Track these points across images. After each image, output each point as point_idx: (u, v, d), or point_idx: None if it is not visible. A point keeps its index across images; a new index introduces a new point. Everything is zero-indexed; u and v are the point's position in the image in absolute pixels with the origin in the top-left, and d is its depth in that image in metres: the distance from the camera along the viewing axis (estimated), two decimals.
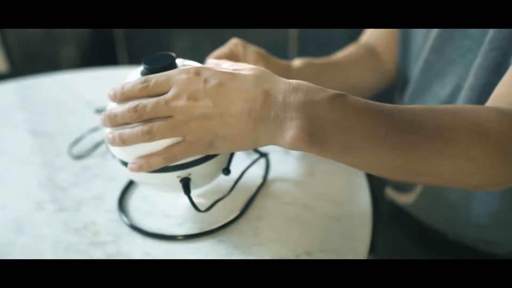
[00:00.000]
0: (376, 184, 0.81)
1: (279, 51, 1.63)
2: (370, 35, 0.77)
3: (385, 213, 0.78)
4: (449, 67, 0.62)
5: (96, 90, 0.90)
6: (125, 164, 0.49)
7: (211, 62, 0.55)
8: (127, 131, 0.45)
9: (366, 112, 0.41)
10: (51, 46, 1.92)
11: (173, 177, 0.49)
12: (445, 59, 0.63)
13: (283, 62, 0.63)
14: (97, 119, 0.74)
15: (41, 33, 1.89)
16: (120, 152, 0.49)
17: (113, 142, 0.47)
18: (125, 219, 0.56)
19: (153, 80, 0.45)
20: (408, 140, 0.41)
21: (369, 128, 0.41)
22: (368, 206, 0.57)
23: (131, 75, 0.51)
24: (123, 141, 0.46)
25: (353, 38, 0.84)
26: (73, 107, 0.84)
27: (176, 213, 0.57)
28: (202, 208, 0.52)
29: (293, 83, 0.42)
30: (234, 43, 0.61)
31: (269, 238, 0.53)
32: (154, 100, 0.44)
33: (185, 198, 0.51)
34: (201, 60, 0.58)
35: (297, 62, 0.65)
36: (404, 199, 0.75)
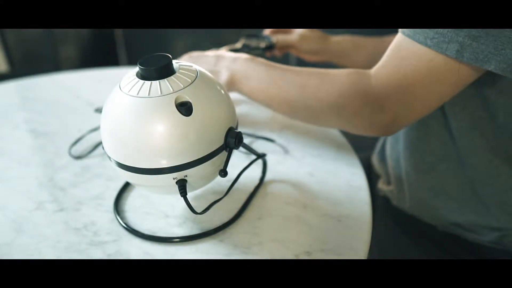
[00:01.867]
0: (372, 181, 0.81)
1: None
2: None
3: (380, 207, 0.79)
4: None
5: (96, 90, 0.90)
6: (121, 166, 0.49)
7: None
8: None
9: (263, 66, 0.66)
10: (51, 46, 1.92)
11: (169, 179, 0.49)
12: None
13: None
14: (97, 119, 0.74)
15: (41, 33, 1.89)
16: (115, 154, 0.49)
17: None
18: (121, 221, 0.56)
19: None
20: (282, 86, 0.63)
21: (263, 76, 0.65)
22: (368, 206, 0.57)
23: (126, 76, 0.50)
24: None
25: None
26: (73, 107, 0.84)
27: (176, 213, 0.57)
28: (200, 210, 0.52)
29: (233, 55, 0.70)
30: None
31: (269, 238, 0.53)
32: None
33: None
34: None
35: (338, 37, 0.86)
36: (390, 191, 0.76)
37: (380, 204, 0.80)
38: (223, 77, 0.69)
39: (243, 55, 0.69)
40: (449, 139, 0.66)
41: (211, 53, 0.74)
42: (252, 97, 0.68)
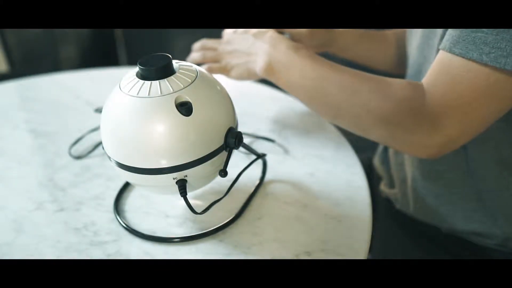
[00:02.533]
0: (373, 182, 0.81)
1: None
2: None
3: (382, 209, 0.79)
4: (424, 64, 0.65)
5: (96, 90, 0.90)
6: (121, 166, 0.49)
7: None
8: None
9: (308, 60, 0.59)
10: (51, 46, 1.92)
11: (169, 179, 0.49)
12: (422, 57, 0.66)
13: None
14: (97, 119, 0.74)
15: (41, 33, 1.89)
16: (115, 154, 0.49)
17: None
18: (121, 221, 0.56)
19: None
20: (325, 87, 0.58)
21: (305, 71, 0.59)
22: (368, 206, 0.57)
23: (126, 76, 0.50)
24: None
25: None
26: (73, 107, 0.84)
27: (176, 213, 0.57)
28: (200, 210, 0.52)
29: (274, 35, 0.64)
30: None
31: (269, 238, 0.53)
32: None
33: None
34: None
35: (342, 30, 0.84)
36: (393, 194, 0.76)
37: (382, 205, 0.79)
38: (260, 62, 0.63)
39: (286, 40, 0.63)
40: (461, 148, 0.64)
41: (251, 30, 0.67)
42: (290, 91, 0.63)
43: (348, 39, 0.78)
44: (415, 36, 0.69)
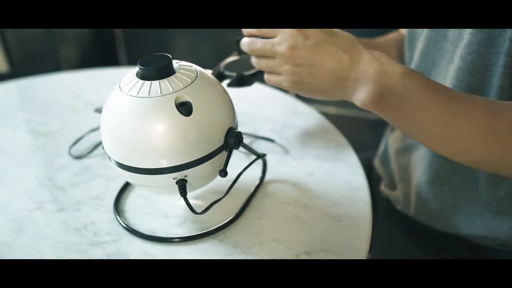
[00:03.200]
0: (373, 182, 0.81)
1: None
2: None
3: (382, 209, 0.79)
4: (433, 68, 0.65)
5: (96, 90, 0.90)
6: (121, 166, 0.49)
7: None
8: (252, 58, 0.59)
9: (428, 90, 0.48)
10: (51, 46, 1.92)
11: (169, 179, 0.49)
12: (429, 61, 0.65)
13: None
14: (97, 119, 0.74)
15: (41, 33, 1.89)
16: (116, 154, 0.49)
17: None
18: (121, 221, 0.56)
19: (268, 29, 0.55)
20: (455, 122, 0.47)
21: (426, 104, 0.48)
22: (368, 206, 0.57)
23: (126, 76, 0.50)
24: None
25: None
26: (73, 107, 0.84)
27: (176, 213, 0.57)
28: (200, 210, 0.52)
29: (374, 53, 0.50)
30: None
31: (269, 238, 0.53)
32: (263, 41, 0.55)
33: None
34: (201, 60, 0.58)
35: None
36: (394, 195, 0.76)
37: (382, 205, 0.79)
38: (362, 92, 0.50)
39: (397, 65, 0.49)
40: None
41: (342, 35, 0.52)
42: (402, 127, 0.51)
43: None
44: (419, 39, 0.68)
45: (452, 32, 0.60)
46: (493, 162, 0.48)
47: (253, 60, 0.58)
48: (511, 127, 0.46)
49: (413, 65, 0.70)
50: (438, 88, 0.49)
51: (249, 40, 0.57)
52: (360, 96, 0.50)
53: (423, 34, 0.66)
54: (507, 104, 0.48)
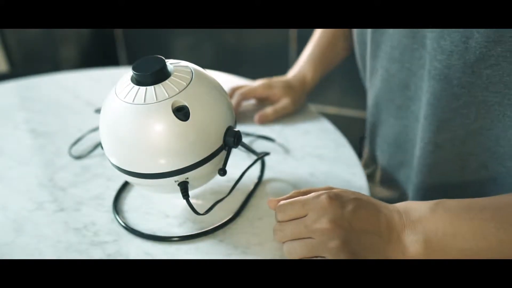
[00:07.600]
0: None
1: (279, 51, 1.63)
2: None
3: None
4: (412, 80, 0.62)
5: (96, 90, 0.90)
6: (121, 170, 0.49)
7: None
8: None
9: (468, 213, 0.46)
10: (51, 46, 1.92)
11: (171, 182, 0.49)
12: (405, 70, 0.63)
13: (297, 78, 0.81)
14: (97, 119, 0.74)
15: (41, 33, 1.89)
16: (115, 159, 0.49)
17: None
18: (121, 221, 0.56)
19: (289, 207, 0.49)
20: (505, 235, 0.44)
21: (477, 227, 0.45)
22: None
23: (121, 81, 0.50)
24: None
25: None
26: (73, 107, 0.84)
27: (176, 213, 0.57)
28: (201, 210, 0.52)
29: (398, 207, 0.48)
30: (261, 85, 0.78)
31: (269, 238, 0.53)
32: (293, 223, 0.48)
33: None
34: (201, 60, 0.58)
35: (303, 71, 0.82)
36: (389, 196, 0.75)
37: None
38: (413, 248, 0.46)
39: (440, 204, 0.47)
40: (481, 167, 0.61)
41: (372, 206, 0.48)
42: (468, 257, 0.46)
43: (318, 80, 0.83)
44: (383, 48, 0.65)
45: (430, 41, 0.57)
46: None
47: (285, 249, 0.49)
48: None
49: (381, 76, 0.67)
50: (475, 204, 0.46)
51: (279, 226, 0.50)
52: (411, 252, 0.46)
53: (386, 41, 0.64)
54: None
